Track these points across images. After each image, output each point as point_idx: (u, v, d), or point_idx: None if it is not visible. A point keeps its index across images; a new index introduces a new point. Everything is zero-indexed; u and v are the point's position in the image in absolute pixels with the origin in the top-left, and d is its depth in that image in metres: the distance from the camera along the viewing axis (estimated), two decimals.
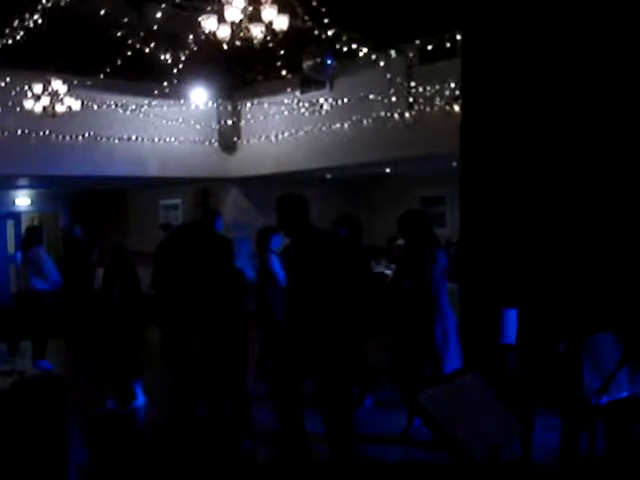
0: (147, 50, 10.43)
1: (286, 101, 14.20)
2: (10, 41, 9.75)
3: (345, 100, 13.21)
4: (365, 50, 10.82)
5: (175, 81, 12.25)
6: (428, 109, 11.88)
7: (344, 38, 10.21)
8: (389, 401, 7.52)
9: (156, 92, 13.37)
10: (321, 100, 13.69)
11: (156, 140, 14.54)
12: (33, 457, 4.91)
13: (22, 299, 10.08)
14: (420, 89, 12.01)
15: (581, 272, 3.64)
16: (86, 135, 13.49)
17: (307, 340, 5.47)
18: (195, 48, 9.88)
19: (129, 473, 6.19)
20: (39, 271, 9.83)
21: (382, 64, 11.60)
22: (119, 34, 10.00)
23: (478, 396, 3.59)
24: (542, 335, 3.81)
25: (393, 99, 12.37)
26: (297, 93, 14.18)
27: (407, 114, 12.24)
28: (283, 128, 14.49)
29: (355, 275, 6.45)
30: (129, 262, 8.07)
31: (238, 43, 8.12)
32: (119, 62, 10.75)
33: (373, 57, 11.29)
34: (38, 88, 11.30)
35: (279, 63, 10.39)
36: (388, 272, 10.96)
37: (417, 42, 11.51)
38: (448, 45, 10.68)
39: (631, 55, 3.70)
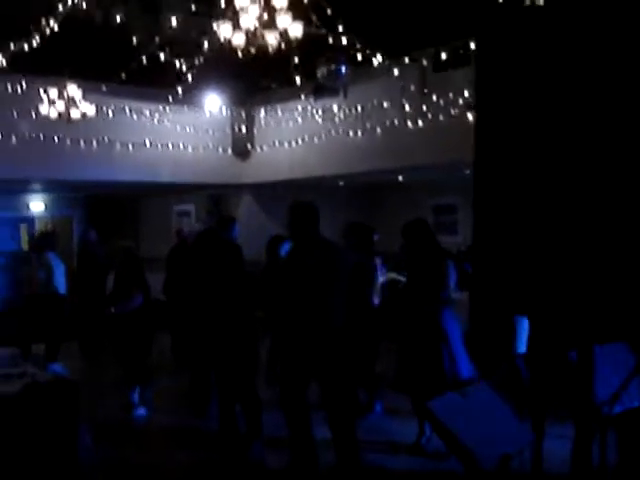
0: (162, 56, 10.47)
1: (299, 108, 14.22)
2: (26, 46, 9.81)
3: (358, 108, 13.22)
4: (379, 58, 10.82)
5: (189, 87, 12.30)
6: (441, 117, 11.88)
7: (358, 46, 10.22)
8: (399, 408, 7.50)
9: (170, 98, 13.43)
10: (334, 107, 13.71)
11: (169, 146, 14.58)
12: (44, 460, 4.93)
13: (32, 302, 10.13)
14: (434, 97, 12.01)
15: (593, 281, 3.63)
16: (100, 140, 13.56)
17: (309, 346, 5.48)
18: (210, 55, 9.91)
19: (138, 478, 6.20)
20: (49, 276, 9.89)
21: (396, 72, 11.60)
22: (134, 40, 10.04)
23: (489, 404, 3.58)
24: (554, 344, 3.80)
25: (406, 107, 12.38)
26: (310, 100, 14.20)
27: (420, 122, 12.24)
28: (296, 135, 14.51)
29: (357, 285, 6.45)
30: (140, 266, 8.09)
31: (253, 50, 8.15)
32: (134, 68, 10.80)
33: (387, 65, 11.29)
34: (53, 93, 11.36)
35: (293, 70, 10.41)
36: (401, 279, 10.94)
37: (431, 50, 11.51)
38: (462, 53, 10.68)
39: None
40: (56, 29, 9.43)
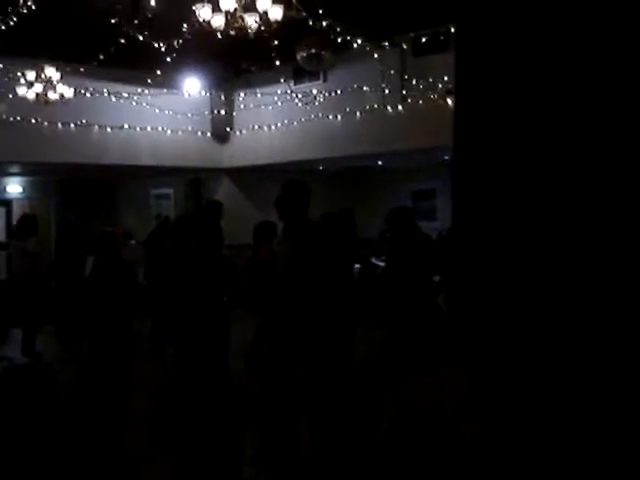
0: (141, 38, 10.39)
1: (279, 92, 14.20)
2: (3, 27, 9.71)
3: (338, 91, 13.21)
4: (359, 42, 10.82)
5: (168, 70, 12.23)
6: (421, 102, 11.90)
7: (338, 29, 10.21)
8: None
9: (149, 81, 13.37)
10: (314, 91, 13.70)
11: (148, 129, 14.52)
12: (22, 443, 4.93)
13: (12, 286, 10.06)
14: (413, 82, 12.03)
15: (571, 270, 3.66)
16: (78, 123, 13.47)
17: (298, 331, 5.48)
18: (189, 37, 9.86)
19: (118, 459, 6.21)
20: (32, 261, 9.83)
21: (376, 56, 11.61)
22: (113, 22, 9.96)
23: (466, 389, 3.62)
24: (527, 329, 3.84)
25: (386, 91, 12.39)
26: (290, 84, 14.17)
27: (400, 107, 12.25)
28: (276, 119, 14.50)
29: (346, 268, 6.48)
30: (120, 252, 8.05)
31: (232, 32, 8.12)
32: (112, 50, 10.72)
33: (367, 49, 11.29)
34: (31, 75, 11.26)
35: (273, 53, 10.38)
36: (380, 264, 10.98)
37: (411, 35, 11.52)
38: (442, 38, 10.70)
39: (631, 51, 3.72)
40: (34, 10, 9.32)
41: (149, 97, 14.26)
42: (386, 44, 11.41)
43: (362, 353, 7.93)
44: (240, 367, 6.37)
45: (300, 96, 13.90)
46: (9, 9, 9.50)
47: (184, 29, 9.62)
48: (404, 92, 12.22)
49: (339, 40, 10.60)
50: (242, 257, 7.64)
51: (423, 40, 11.26)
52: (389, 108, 12.37)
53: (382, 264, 10.03)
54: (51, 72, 11.29)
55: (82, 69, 12.07)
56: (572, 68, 3.86)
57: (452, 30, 9.79)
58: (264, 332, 5.94)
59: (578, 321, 3.68)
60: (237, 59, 13.39)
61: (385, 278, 6.78)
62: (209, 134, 15.59)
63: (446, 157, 11.69)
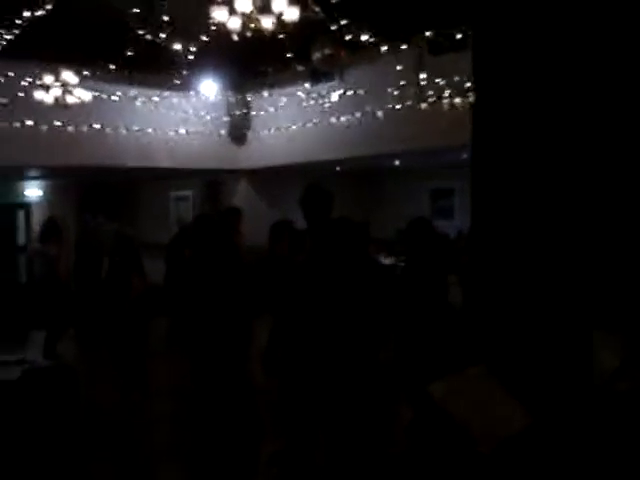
0: (158, 42, 10.42)
1: (296, 93, 14.18)
2: (21, 32, 9.76)
3: (355, 92, 13.18)
4: (375, 41, 10.78)
5: (185, 72, 12.25)
6: (438, 101, 11.84)
7: (354, 29, 10.18)
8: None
9: (166, 83, 13.38)
10: (331, 92, 13.67)
11: (167, 132, 14.55)
12: (43, 445, 4.94)
13: (32, 289, 10.11)
14: (431, 81, 11.97)
15: (591, 267, 3.62)
16: (96, 126, 13.52)
17: (317, 333, 5.45)
18: (206, 40, 9.87)
19: (136, 460, 6.22)
20: (51, 266, 9.88)
21: (392, 56, 11.56)
22: (130, 26, 9.99)
23: (487, 388, 3.59)
24: (551, 327, 3.81)
25: (403, 91, 12.34)
26: (307, 85, 14.15)
27: (417, 106, 12.20)
28: (293, 120, 14.47)
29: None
30: (139, 253, 8.08)
31: (248, 34, 8.11)
32: (130, 53, 10.76)
33: (383, 49, 11.25)
34: (49, 79, 11.31)
35: (289, 55, 10.37)
36: (399, 264, 10.96)
37: (428, 34, 11.46)
38: (459, 36, 10.64)
39: None
40: (50, 14, 9.37)
41: (166, 100, 14.29)
42: (403, 43, 11.36)
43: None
44: (258, 368, 6.38)
45: (316, 97, 13.88)
46: (26, 14, 9.55)
47: (200, 32, 9.64)
48: (421, 91, 12.16)
49: (355, 40, 10.57)
50: (260, 258, 7.63)
51: (440, 39, 11.20)
52: (406, 108, 12.32)
53: (400, 265, 10.02)
54: (69, 76, 11.34)
55: (99, 73, 12.11)
56: (593, 65, 3.83)
57: (469, 28, 9.75)
58: (279, 333, 5.93)
59: (597, 318, 3.65)
60: (253, 61, 13.40)
61: (403, 281, 6.78)
62: (226, 136, 15.61)
63: (465, 156, 11.63)
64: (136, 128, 14.12)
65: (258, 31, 8.07)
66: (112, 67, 11.48)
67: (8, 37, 9.87)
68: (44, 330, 10.00)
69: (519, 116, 4.05)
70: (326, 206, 5.60)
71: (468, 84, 10.45)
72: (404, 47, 11.48)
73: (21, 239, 18.79)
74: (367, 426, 5.58)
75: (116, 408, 7.69)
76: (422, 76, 12.06)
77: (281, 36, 8.61)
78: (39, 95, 11.45)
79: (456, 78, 11.28)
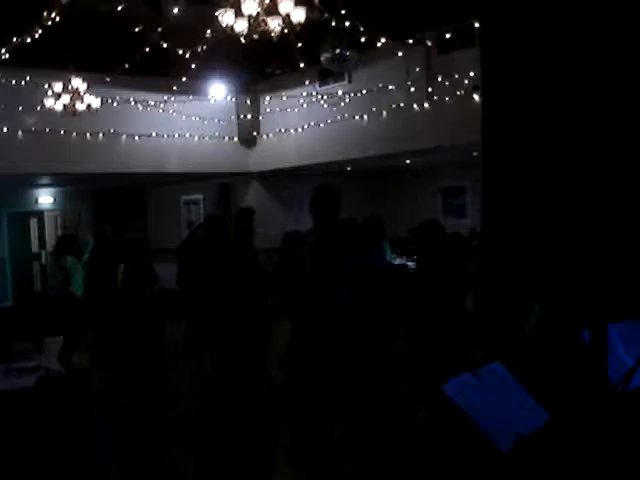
0: (165, 46, 10.43)
1: (305, 94, 14.18)
2: (30, 39, 9.78)
3: (364, 91, 13.16)
4: (383, 40, 10.75)
5: (193, 76, 12.26)
6: (447, 99, 11.81)
7: (362, 29, 10.15)
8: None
9: (175, 88, 13.42)
10: (340, 92, 13.66)
11: (176, 136, 14.58)
12: (59, 453, 4.94)
13: (48, 298, 10.17)
14: (439, 79, 11.94)
15: (605, 257, 3.59)
16: (106, 132, 13.56)
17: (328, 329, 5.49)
18: (213, 43, 9.86)
19: (154, 469, 6.22)
20: (66, 279, 9.92)
21: (400, 54, 11.54)
22: (137, 30, 10.00)
23: (503, 385, 3.56)
24: (565, 323, 3.78)
25: (412, 89, 12.31)
26: (316, 85, 14.15)
27: (426, 104, 12.17)
28: (302, 121, 14.48)
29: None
30: (149, 259, 8.09)
31: (256, 36, 8.10)
32: (138, 58, 10.76)
33: (391, 47, 11.22)
34: (58, 86, 11.34)
35: (297, 56, 10.35)
36: (410, 264, 10.93)
37: (435, 32, 11.43)
38: (466, 34, 10.60)
39: None
40: (58, 21, 9.38)
41: (175, 104, 14.32)
42: (410, 42, 11.33)
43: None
44: (276, 370, 6.39)
45: (326, 97, 13.88)
46: (34, 21, 9.57)
47: (208, 35, 9.63)
48: (430, 89, 12.13)
49: (363, 40, 10.54)
50: (272, 261, 7.63)
51: (448, 36, 11.17)
52: (415, 106, 12.30)
53: (412, 264, 10.03)
54: (78, 83, 11.36)
55: (108, 79, 12.12)
56: (602, 62, 3.80)
57: (477, 25, 9.71)
58: (299, 333, 5.95)
59: (611, 314, 3.62)
60: (261, 63, 13.40)
61: (416, 280, 6.80)
62: (236, 139, 15.62)
63: (475, 153, 11.60)
64: (146, 133, 14.15)
65: (265, 33, 8.05)
66: (121, 73, 11.48)
67: (17, 45, 9.88)
68: (60, 337, 10.05)
69: (529, 113, 4.02)
70: (334, 207, 5.68)
71: (476, 81, 10.41)
72: (412, 45, 11.45)
73: (35, 247, 18.85)
74: (379, 419, 5.61)
75: (132, 413, 7.70)
76: (430, 74, 12.03)
77: (288, 37, 8.59)
78: (49, 103, 11.49)
79: (464, 75, 11.25)
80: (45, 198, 18.82)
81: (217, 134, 15.23)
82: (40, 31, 9.63)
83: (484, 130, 4.31)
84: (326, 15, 9.52)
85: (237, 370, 6.48)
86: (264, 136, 15.56)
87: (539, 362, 3.96)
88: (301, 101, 14.30)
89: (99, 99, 11.91)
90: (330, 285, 5.49)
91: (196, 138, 14.86)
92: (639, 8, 3.69)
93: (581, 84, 3.84)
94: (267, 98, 15.17)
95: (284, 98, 14.64)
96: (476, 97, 10.43)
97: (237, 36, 8.13)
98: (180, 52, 10.61)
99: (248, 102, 15.38)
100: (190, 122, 14.64)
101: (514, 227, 3.99)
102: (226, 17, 8.08)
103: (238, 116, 15.46)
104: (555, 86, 3.96)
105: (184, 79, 12.41)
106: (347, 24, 9.96)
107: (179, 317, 9.64)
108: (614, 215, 3.62)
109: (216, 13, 8.17)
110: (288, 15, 8.05)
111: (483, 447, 3.28)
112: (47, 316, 10.05)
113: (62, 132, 12.88)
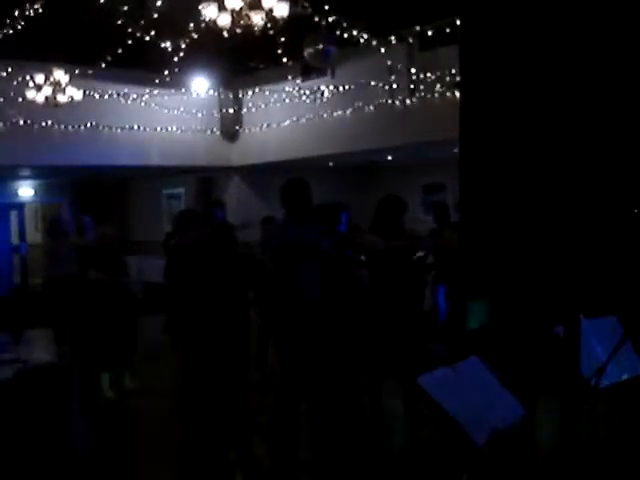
0: (148, 39, 10.41)
1: (287, 89, 14.19)
2: (11, 31, 9.75)
3: (346, 87, 13.19)
4: (365, 37, 10.79)
5: (176, 70, 12.24)
6: (429, 96, 11.86)
7: (344, 25, 10.19)
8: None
9: (157, 81, 13.39)
10: (322, 87, 13.68)
11: (158, 129, 14.55)
12: (37, 445, 4.95)
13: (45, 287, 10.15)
14: (421, 75, 11.99)
15: (579, 254, 3.65)
16: (88, 125, 13.52)
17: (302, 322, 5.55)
18: (196, 36, 9.87)
19: (132, 460, 6.22)
20: (53, 260, 9.89)
21: (383, 51, 11.58)
22: (120, 23, 9.98)
23: (480, 379, 3.61)
24: (539, 318, 3.84)
25: (394, 86, 12.36)
26: (298, 81, 14.16)
27: (408, 101, 12.22)
28: (285, 116, 14.48)
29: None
30: (117, 250, 8.09)
31: (239, 31, 8.11)
32: (120, 51, 10.75)
33: (374, 44, 11.26)
34: (40, 78, 11.30)
35: (280, 51, 10.38)
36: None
37: (417, 28, 11.48)
38: (448, 31, 10.66)
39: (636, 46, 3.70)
40: (41, 13, 9.36)
41: (158, 97, 14.28)
42: (392, 38, 11.37)
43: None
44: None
45: (308, 93, 13.89)
46: (16, 13, 9.53)
47: (191, 29, 9.64)
48: (412, 86, 12.18)
49: (345, 36, 10.58)
50: (253, 254, 7.65)
51: (430, 33, 11.22)
52: (397, 102, 12.34)
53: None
54: (60, 75, 11.33)
55: (90, 71, 12.09)
56: (581, 62, 3.85)
57: (458, 22, 9.77)
58: (266, 328, 6.01)
59: (586, 309, 3.68)
60: (244, 57, 13.39)
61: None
62: (218, 133, 15.60)
63: (456, 150, 11.64)
64: (128, 126, 14.11)
65: (248, 27, 8.07)
66: (103, 65, 11.45)
67: None
68: (46, 329, 10.01)
69: (508, 110, 4.07)
70: (305, 195, 5.79)
71: (458, 78, 10.47)
72: (394, 42, 11.48)
73: (14, 239, 18.73)
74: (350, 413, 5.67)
75: (112, 407, 7.70)
76: (413, 71, 12.07)
77: (271, 32, 8.61)
78: (31, 94, 11.44)
79: (446, 72, 11.31)
80: (25, 190, 18.72)
81: (199, 128, 15.21)
82: (22, 23, 9.60)
83: (462, 127, 4.36)
84: (309, 11, 9.55)
85: (217, 362, 6.48)
86: (246, 130, 15.55)
87: (516, 356, 4.02)
88: (284, 96, 14.31)
89: (81, 91, 11.88)
90: (296, 271, 5.55)
91: (178, 132, 14.84)
92: (617, 5, 3.74)
93: (559, 81, 3.89)
94: (250, 92, 15.16)
95: (267, 93, 14.64)
96: (457, 94, 10.49)
97: (220, 30, 8.14)
98: (163, 45, 10.60)
99: (230, 96, 15.36)
100: (172, 116, 14.60)
101: (490, 225, 4.04)
102: (209, 11, 8.09)
103: (220, 110, 15.44)
104: (534, 83, 4.01)
105: (166, 72, 12.40)
106: (330, 20, 9.99)
107: (162, 310, 9.64)
108: (590, 212, 3.67)
109: (199, 7, 8.18)
110: (271, 10, 8.08)
111: (460, 440, 3.33)
112: (28, 308, 10.04)
113: (43, 124, 12.81)
